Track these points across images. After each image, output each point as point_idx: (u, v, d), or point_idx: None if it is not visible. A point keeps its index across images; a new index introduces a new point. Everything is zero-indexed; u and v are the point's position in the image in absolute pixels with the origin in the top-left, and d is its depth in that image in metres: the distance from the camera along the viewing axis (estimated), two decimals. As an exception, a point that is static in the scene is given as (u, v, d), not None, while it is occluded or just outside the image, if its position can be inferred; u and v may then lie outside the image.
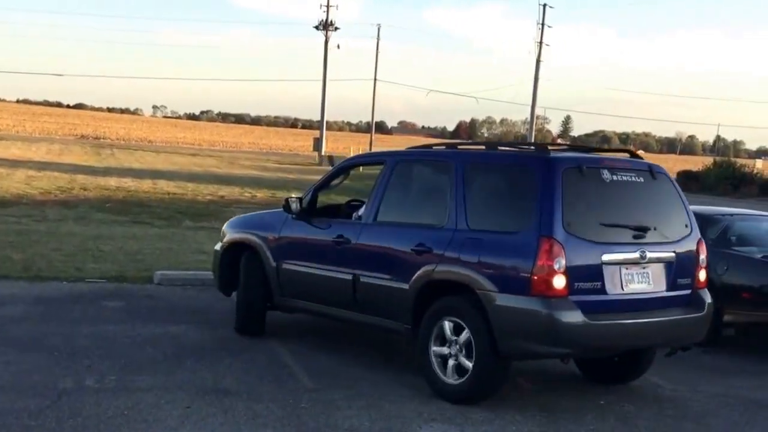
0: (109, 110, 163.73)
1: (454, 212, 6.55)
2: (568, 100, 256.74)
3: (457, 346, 6.34)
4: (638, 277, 6.34)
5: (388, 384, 6.85)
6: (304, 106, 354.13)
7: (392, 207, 7.20)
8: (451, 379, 6.40)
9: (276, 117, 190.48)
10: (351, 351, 7.88)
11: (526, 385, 7.06)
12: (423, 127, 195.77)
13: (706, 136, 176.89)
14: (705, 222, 8.28)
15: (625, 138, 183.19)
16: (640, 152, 8.32)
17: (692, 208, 7.03)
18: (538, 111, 68.15)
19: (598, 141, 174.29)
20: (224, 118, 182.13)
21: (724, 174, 46.47)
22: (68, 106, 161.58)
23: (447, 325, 6.41)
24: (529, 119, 64.46)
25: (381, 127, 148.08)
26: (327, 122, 64.15)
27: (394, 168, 7.32)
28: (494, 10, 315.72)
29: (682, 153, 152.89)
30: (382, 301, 6.98)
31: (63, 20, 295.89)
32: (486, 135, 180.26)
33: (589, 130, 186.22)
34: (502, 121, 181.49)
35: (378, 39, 75.02)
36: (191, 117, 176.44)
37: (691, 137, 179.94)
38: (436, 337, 6.48)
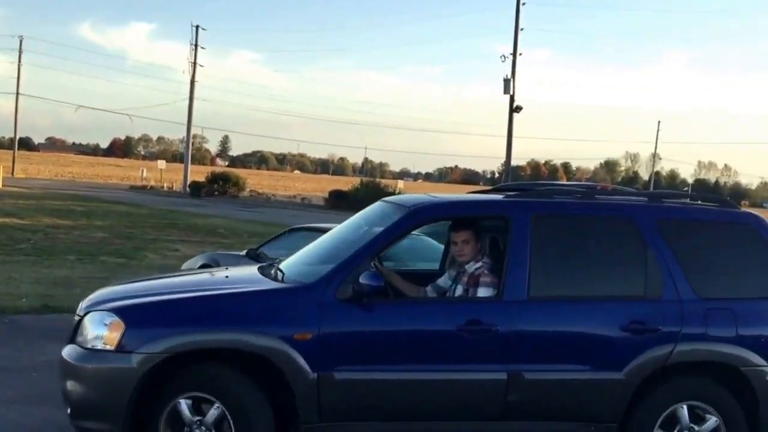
0: None
1: (670, 279, 5.52)
2: (227, 121, 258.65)
3: None
4: None
5: None
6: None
7: (550, 278, 5.54)
8: None
9: None
10: None
11: None
12: (74, 143, 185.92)
13: (355, 158, 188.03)
14: None
15: (282, 158, 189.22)
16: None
17: None
18: (195, 130, 67.98)
19: (257, 161, 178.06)
20: None
21: (371, 193, 49.16)
22: None
23: (683, 411, 5.53)
24: (185, 138, 63.77)
25: (26, 144, 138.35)
26: (-39, 136, 58.18)
27: (533, 226, 5.55)
28: (147, 29, 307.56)
29: (334, 173, 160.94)
30: (563, 400, 5.42)
31: None
32: (143, 153, 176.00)
33: (248, 150, 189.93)
34: (159, 139, 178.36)
35: (20, 52, 70.16)
36: None
37: (342, 159, 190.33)
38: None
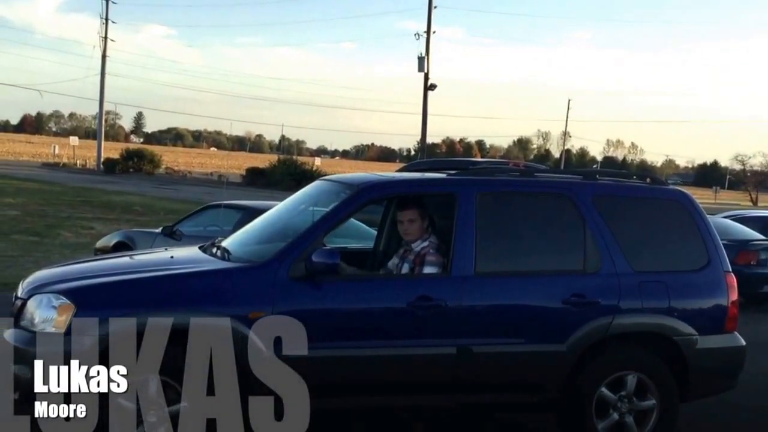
0: None
1: (607, 254, 5.75)
2: (141, 97, 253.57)
3: (626, 401, 5.79)
4: None
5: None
6: None
7: (495, 253, 5.67)
8: None
9: None
10: None
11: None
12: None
13: (272, 135, 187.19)
14: None
15: (198, 135, 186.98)
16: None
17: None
18: (108, 107, 67.17)
19: (172, 138, 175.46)
20: None
21: (288, 170, 49.56)
22: None
23: (606, 389, 5.75)
24: (98, 114, 62.79)
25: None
26: None
27: (477, 203, 5.67)
28: (55, 1, 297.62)
29: (251, 151, 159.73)
30: (510, 372, 5.62)
31: None
32: (54, 129, 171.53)
33: (163, 126, 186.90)
34: (71, 115, 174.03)
35: None
36: None
37: (260, 136, 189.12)
38: (599, 402, 5.76)
